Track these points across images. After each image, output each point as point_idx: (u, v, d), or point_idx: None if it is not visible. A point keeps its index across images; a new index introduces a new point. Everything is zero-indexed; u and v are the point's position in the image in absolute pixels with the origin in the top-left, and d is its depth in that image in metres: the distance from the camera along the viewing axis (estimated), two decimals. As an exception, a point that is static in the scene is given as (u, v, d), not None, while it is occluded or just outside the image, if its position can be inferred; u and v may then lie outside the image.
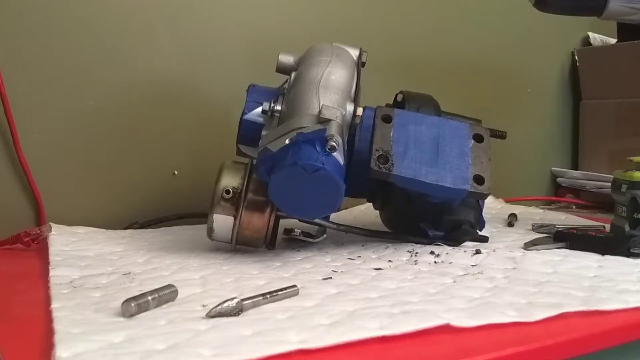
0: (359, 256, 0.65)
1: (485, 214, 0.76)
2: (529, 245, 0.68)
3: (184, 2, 0.89)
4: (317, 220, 0.68)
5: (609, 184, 0.75)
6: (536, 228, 0.80)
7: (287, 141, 0.59)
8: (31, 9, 0.78)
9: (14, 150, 0.78)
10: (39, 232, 0.70)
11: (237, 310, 0.45)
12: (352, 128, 0.67)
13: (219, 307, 0.45)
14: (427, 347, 0.41)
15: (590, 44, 1.33)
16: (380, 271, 0.59)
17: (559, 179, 1.28)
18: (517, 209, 0.95)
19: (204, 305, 0.47)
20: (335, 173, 0.57)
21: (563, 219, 0.90)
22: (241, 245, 0.66)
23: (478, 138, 0.69)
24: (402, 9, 1.09)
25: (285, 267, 0.61)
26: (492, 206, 0.97)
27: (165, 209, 0.87)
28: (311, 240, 0.70)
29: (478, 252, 0.66)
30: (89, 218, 0.80)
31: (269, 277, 0.57)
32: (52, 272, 0.56)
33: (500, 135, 0.79)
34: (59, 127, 0.81)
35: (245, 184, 0.63)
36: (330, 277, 0.56)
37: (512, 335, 0.43)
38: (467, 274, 0.58)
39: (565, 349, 0.42)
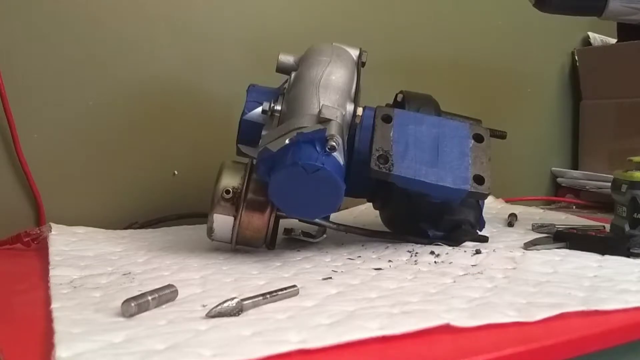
0: (359, 256, 0.65)
1: (485, 214, 0.76)
2: (529, 245, 0.68)
3: (184, 2, 0.89)
4: (317, 220, 0.68)
5: (609, 184, 0.75)
6: (536, 228, 0.80)
7: (287, 141, 0.59)
8: (31, 9, 0.78)
9: (14, 150, 0.78)
10: (39, 232, 0.70)
11: (237, 310, 0.45)
12: (352, 128, 0.67)
13: (219, 307, 0.45)
14: (427, 347, 0.41)
15: (590, 44, 1.33)
16: (380, 271, 0.59)
17: (559, 179, 1.28)
18: (517, 209, 0.95)
19: (204, 305, 0.47)
20: (335, 173, 0.57)
21: (563, 219, 0.90)
22: (241, 245, 0.66)
23: (478, 138, 0.69)
24: (402, 9, 1.09)
25: (285, 267, 0.61)
26: (492, 206, 0.97)
27: (165, 209, 0.87)
28: (311, 240, 0.70)
29: (478, 252, 0.66)
30: (89, 218, 0.79)
31: (269, 277, 0.57)
32: (52, 272, 0.56)
33: (500, 135, 0.79)
34: (59, 127, 0.81)
35: (245, 184, 0.63)
36: (330, 277, 0.56)
37: (512, 335, 0.43)
38: (467, 274, 0.58)
39: (565, 349, 0.42)
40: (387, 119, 0.68)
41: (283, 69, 0.71)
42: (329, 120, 0.60)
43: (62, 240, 0.69)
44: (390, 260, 0.63)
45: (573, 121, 1.31)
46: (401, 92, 0.77)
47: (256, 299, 0.47)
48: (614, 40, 1.30)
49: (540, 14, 0.79)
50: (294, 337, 0.40)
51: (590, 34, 1.33)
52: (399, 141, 0.66)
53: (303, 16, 0.99)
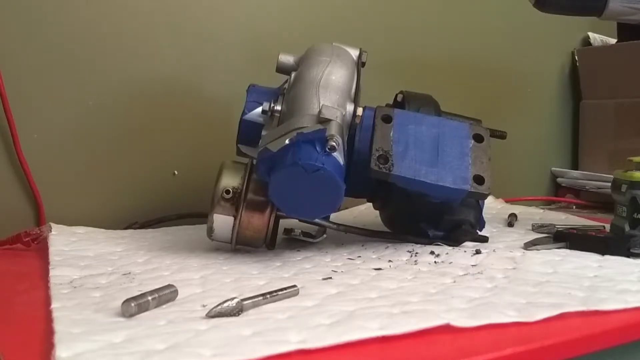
0: (359, 256, 0.65)
1: (485, 214, 0.76)
2: (529, 245, 0.68)
3: (184, 2, 0.89)
4: (317, 220, 0.68)
5: (609, 184, 0.75)
6: (536, 228, 0.80)
7: (287, 141, 0.59)
8: (31, 9, 0.78)
9: (14, 150, 0.78)
10: (39, 232, 0.70)
11: (237, 310, 0.45)
12: (352, 128, 0.67)
13: (219, 307, 0.45)
14: (427, 347, 0.41)
15: (590, 44, 1.33)
16: (380, 271, 0.59)
17: (559, 179, 1.28)
18: (517, 209, 0.95)
19: (204, 305, 0.47)
20: (335, 173, 0.57)
21: (563, 219, 0.90)
22: (241, 245, 0.66)
23: (478, 138, 0.69)
24: (402, 9, 1.09)
25: (285, 267, 0.61)
26: (492, 206, 0.97)
27: (165, 209, 0.87)
28: (311, 240, 0.70)
29: (478, 252, 0.66)
30: (89, 218, 0.79)
31: (269, 277, 0.57)
32: (52, 272, 0.56)
33: (500, 135, 0.79)
34: (59, 127, 0.81)
35: (245, 184, 0.63)
36: (330, 277, 0.56)
37: (512, 335, 0.43)
38: (467, 274, 0.58)
39: (565, 349, 0.42)
40: (387, 119, 0.68)
41: (283, 69, 0.71)
42: (329, 120, 0.60)
43: (62, 240, 0.69)
44: (390, 260, 0.63)
45: (573, 121, 1.31)
46: (401, 92, 0.77)
47: (256, 299, 0.47)
48: (614, 40, 1.30)
49: (540, 14, 0.79)
50: (294, 337, 0.40)
51: (590, 34, 1.33)
52: (399, 141, 0.66)
53: (303, 16, 0.99)
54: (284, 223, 0.69)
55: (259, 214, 0.64)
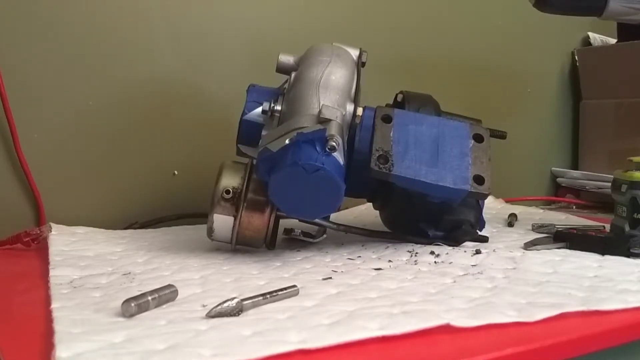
0: (359, 256, 0.65)
1: (485, 214, 0.76)
2: (529, 245, 0.68)
3: (184, 2, 0.89)
4: (317, 220, 0.68)
5: (609, 184, 0.75)
6: (536, 228, 0.80)
7: (287, 141, 0.59)
8: (31, 9, 0.78)
9: (14, 150, 0.78)
10: (39, 232, 0.70)
11: (237, 310, 0.45)
12: (352, 128, 0.67)
13: (219, 307, 0.45)
14: (427, 347, 0.41)
15: (590, 44, 1.33)
16: (380, 271, 0.59)
17: (559, 179, 1.28)
18: (517, 209, 0.95)
19: (204, 305, 0.47)
20: (335, 173, 0.57)
21: (563, 219, 0.90)
22: (241, 245, 0.66)
23: (478, 138, 0.69)
24: (402, 9, 1.09)
25: (285, 267, 0.61)
26: (492, 206, 0.97)
27: (165, 209, 0.87)
28: (311, 240, 0.70)
29: (478, 252, 0.66)
30: (89, 218, 0.80)
31: (269, 277, 0.57)
32: (52, 272, 0.56)
33: (500, 135, 0.79)
34: (59, 127, 0.81)
35: (245, 184, 0.63)
36: (330, 277, 0.56)
37: (512, 335, 0.43)
38: (467, 274, 0.58)
39: (565, 349, 0.42)
40: (387, 119, 0.68)
41: (283, 69, 0.71)
42: (329, 120, 0.60)
43: (62, 240, 0.69)
44: (390, 260, 0.63)
45: (573, 121, 1.31)
46: (401, 92, 0.77)
47: (256, 299, 0.47)
48: (614, 40, 1.30)
49: (540, 14, 0.79)
50: (294, 337, 0.40)
51: (590, 34, 1.33)
52: (399, 141, 0.66)
53: (303, 16, 0.99)
54: (284, 223, 0.69)
55: (259, 214, 0.64)
